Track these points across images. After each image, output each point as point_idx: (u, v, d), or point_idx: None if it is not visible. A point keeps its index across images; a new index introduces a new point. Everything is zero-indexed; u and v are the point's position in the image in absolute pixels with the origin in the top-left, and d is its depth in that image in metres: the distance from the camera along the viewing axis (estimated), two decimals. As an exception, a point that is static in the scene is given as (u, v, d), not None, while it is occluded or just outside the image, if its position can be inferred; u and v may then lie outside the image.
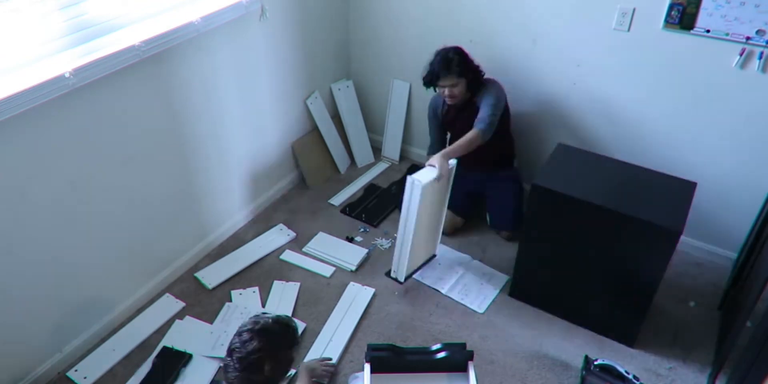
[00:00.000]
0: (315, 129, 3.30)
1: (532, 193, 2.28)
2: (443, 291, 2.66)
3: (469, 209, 3.00)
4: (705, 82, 2.41)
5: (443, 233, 2.83)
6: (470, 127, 2.54)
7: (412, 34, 3.08)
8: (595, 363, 2.21)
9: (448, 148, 2.47)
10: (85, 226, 2.21)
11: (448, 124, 2.85)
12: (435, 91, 2.73)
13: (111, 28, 2.06)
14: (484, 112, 2.55)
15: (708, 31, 2.30)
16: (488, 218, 3.00)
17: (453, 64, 2.55)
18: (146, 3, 2.17)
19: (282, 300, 2.61)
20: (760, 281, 1.96)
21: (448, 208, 2.77)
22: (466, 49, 2.63)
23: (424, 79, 2.66)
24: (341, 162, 3.45)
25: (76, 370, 2.29)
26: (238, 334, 1.69)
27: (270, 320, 1.70)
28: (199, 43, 2.39)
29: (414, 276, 2.71)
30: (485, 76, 2.69)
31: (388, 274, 2.68)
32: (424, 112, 2.95)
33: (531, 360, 2.36)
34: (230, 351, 1.67)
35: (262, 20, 2.66)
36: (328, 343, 2.40)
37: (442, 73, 2.57)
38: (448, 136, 2.92)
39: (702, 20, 2.29)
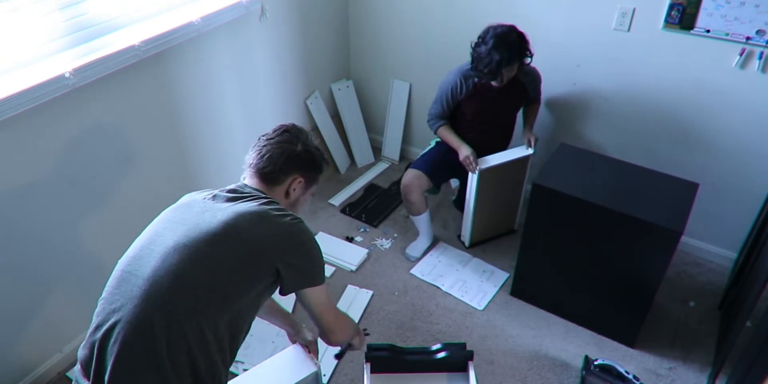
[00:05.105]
0: (315, 129, 3.29)
1: (533, 192, 2.28)
2: (443, 288, 2.66)
3: (441, 180, 2.82)
4: (705, 82, 2.42)
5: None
6: (507, 105, 2.67)
7: (412, 34, 3.08)
8: (595, 363, 2.21)
9: (531, 125, 2.74)
10: (85, 226, 2.21)
11: (474, 104, 2.60)
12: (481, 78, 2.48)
13: (111, 28, 2.06)
14: (538, 93, 2.72)
15: (708, 31, 2.30)
16: (455, 197, 3.10)
17: (517, 49, 2.33)
18: (146, 3, 2.17)
19: (282, 300, 2.60)
20: (760, 281, 1.96)
21: (421, 169, 2.66)
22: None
23: (485, 71, 2.35)
24: (341, 162, 3.45)
25: (76, 370, 2.29)
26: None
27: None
28: (199, 43, 2.39)
29: (413, 272, 2.73)
30: None
31: (459, 236, 2.95)
32: (425, 112, 2.94)
33: (531, 360, 2.36)
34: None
35: (262, 20, 2.66)
36: (328, 343, 2.40)
37: (510, 60, 2.32)
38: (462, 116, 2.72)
39: (702, 20, 2.29)
